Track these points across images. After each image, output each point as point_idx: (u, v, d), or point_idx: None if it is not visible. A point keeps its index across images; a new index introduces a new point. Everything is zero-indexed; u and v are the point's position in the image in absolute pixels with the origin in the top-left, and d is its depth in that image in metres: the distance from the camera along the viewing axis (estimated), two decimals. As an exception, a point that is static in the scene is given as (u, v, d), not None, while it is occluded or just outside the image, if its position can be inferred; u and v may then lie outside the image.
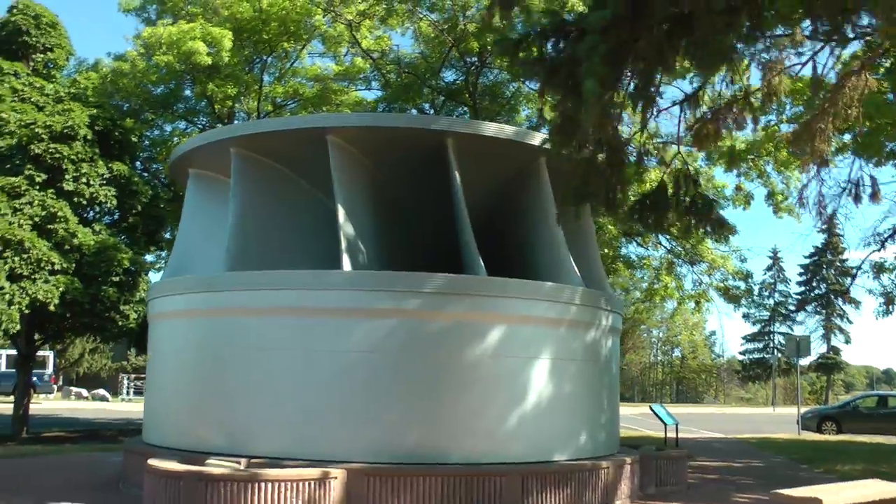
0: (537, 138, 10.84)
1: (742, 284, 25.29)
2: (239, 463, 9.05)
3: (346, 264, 9.65)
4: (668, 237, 24.93)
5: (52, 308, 17.57)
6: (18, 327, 17.02)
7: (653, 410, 17.72)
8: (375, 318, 9.36)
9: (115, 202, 19.73)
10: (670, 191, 9.52)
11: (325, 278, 9.50)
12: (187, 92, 25.61)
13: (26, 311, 17.10)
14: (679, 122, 9.65)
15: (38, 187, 18.21)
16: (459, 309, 9.54)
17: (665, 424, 17.59)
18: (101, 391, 42.68)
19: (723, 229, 9.65)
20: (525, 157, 11.02)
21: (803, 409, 31.40)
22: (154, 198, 21.39)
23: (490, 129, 10.53)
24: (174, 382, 10.39)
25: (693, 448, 20.69)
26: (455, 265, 10.41)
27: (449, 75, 25.59)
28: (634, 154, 9.65)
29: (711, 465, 16.42)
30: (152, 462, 8.83)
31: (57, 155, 18.42)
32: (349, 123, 10.28)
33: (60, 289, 17.72)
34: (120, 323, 19.30)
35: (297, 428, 9.31)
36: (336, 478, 8.63)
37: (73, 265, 18.55)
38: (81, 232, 18.71)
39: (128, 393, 44.66)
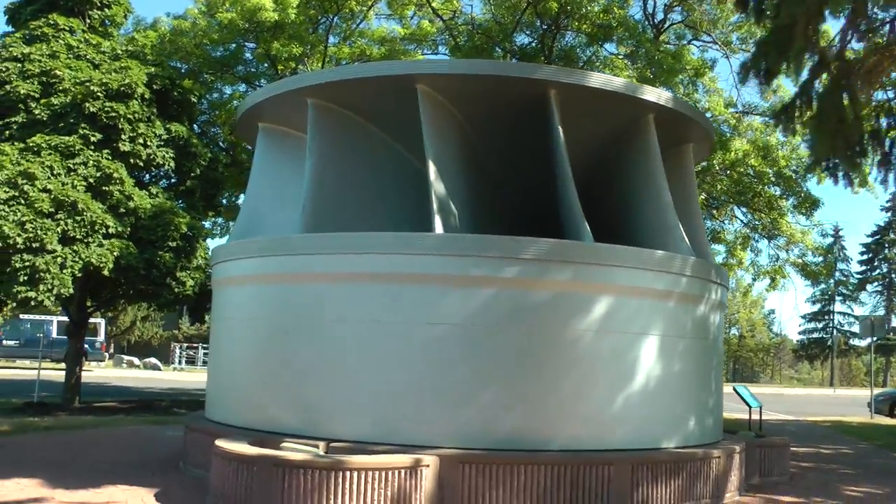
0: (649, 93, 9.71)
1: (821, 260, 23.96)
2: (317, 447, 8.17)
3: (439, 226, 8.64)
4: (745, 210, 23.64)
5: (105, 273, 16.90)
6: (71, 291, 16.38)
7: (737, 391, 16.59)
8: (470, 286, 8.35)
9: (172, 164, 18.96)
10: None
11: (415, 242, 8.49)
12: (247, 54, 24.86)
13: (79, 276, 16.45)
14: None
15: (92, 147, 17.51)
16: (563, 278, 8.50)
17: (749, 407, 16.47)
18: (153, 360, 42.48)
19: None
20: (631, 113, 9.88)
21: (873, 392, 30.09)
22: (213, 161, 20.63)
23: (597, 80, 9.40)
24: (242, 354, 9.49)
25: (769, 431, 19.54)
26: (549, 231, 9.36)
27: (521, 38, 24.49)
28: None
29: (800, 452, 15.28)
30: (221, 444, 7.95)
31: (112, 114, 17.65)
32: (442, 70, 9.23)
33: (115, 253, 17.03)
34: (176, 290, 18.57)
35: (382, 409, 8.37)
36: (428, 466, 7.68)
37: (129, 229, 17.86)
38: (137, 195, 17.98)
39: (179, 362, 44.42)
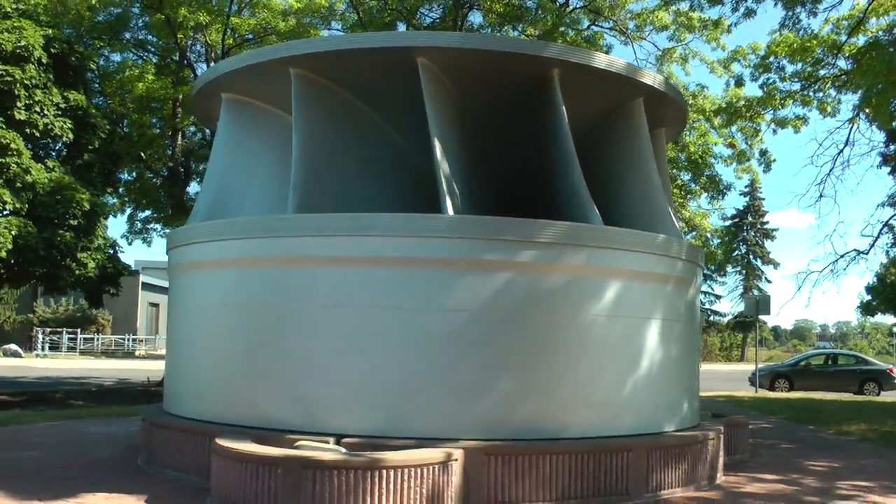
0: (647, 75, 9.60)
1: (717, 242, 24.94)
2: (326, 443, 7.63)
3: (449, 208, 8.21)
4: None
5: (2, 254, 15.41)
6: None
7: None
8: (485, 271, 7.98)
9: (71, 135, 17.50)
10: None
11: (427, 223, 8.00)
12: (134, 21, 23.30)
13: (-26, 257, 14.95)
14: None
15: (-16, 115, 15.92)
16: (577, 262, 8.27)
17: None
18: (13, 346, 39.42)
19: None
20: (624, 94, 9.73)
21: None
22: (111, 134, 19.19)
23: (601, 60, 9.16)
24: (223, 345, 8.71)
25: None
26: (537, 214, 9.09)
27: (426, 16, 24.09)
28: None
29: (727, 428, 15.83)
30: (229, 444, 7.26)
31: (8, 78, 16.08)
32: (446, 44, 8.70)
33: (13, 232, 15.56)
34: (77, 272, 17.22)
35: (393, 401, 7.88)
36: (457, 460, 7.31)
37: (26, 206, 16.36)
38: (35, 168, 16.49)
39: (42, 348, 41.43)
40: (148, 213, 25.82)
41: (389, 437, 7.66)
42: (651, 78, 9.70)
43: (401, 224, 8.04)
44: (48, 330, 42.91)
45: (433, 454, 7.12)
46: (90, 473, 8.84)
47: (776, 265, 65.88)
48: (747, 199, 67.10)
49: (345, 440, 7.67)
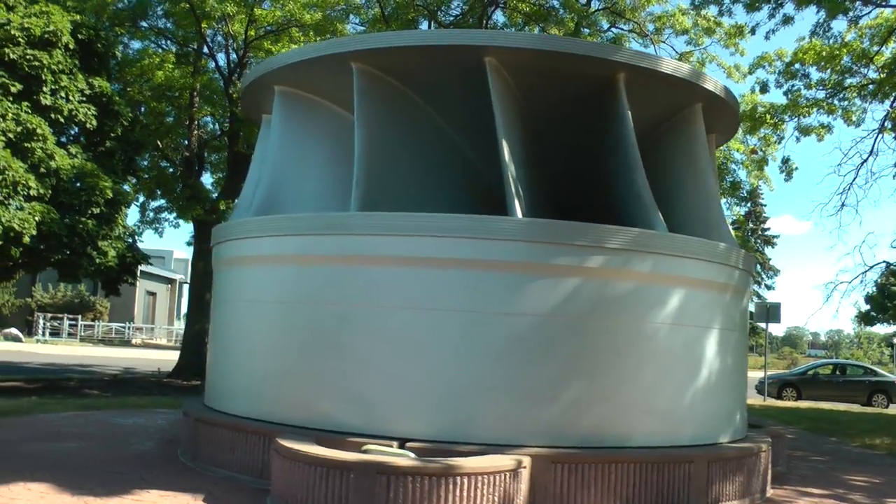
0: (709, 81, 9.49)
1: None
2: (391, 446, 7.50)
3: (518, 211, 8.09)
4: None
5: (25, 240, 15.21)
6: (-7, 260, 14.67)
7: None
8: (553, 276, 7.86)
9: (94, 122, 17.28)
10: None
11: (496, 225, 7.87)
12: (155, 9, 23.12)
13: (-1, 243, 14.72)
14: None
15: (11, 98, 15.67)
16: (644, 269, 8.16)
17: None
18: (14, 330, 39.11)
19: None
20: (684, 100, 9.64)
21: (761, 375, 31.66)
22: (133, 122, 19.01)
23: (668, 66, 9.05)
24: (278, 342, 8.55)
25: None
26: (603, 218, 8.97)
27: (448, 14, 23.96)
28: None
29: (752, 438, 15.74)
30: (293, 446, 7.12)
31: (36, 63, 15.86)
32: (515, 44, 8.56)
33: (37, 218, 15.37)
34: (97, 260, 17.05)
35: (457, 405, 7.75)
36: (526, 467, 7.20)
37: (49, 192, 16.16)
38: (59, 154, 16.29)
39: (44, 334, 41.14)
40: (161, 202, 25.67)
41: (453, 443, 7.53)
42: (712, 84, 9.60)
43: (470, 226, 7.88)
44: (49, 315, 42.60)
45: (505, 461, 7.00)
46: (137, 468, 8.69)
47: (776, 272, 66.06)
48: (749, 204, 67.19)
49: (409, 444, 7.55)
